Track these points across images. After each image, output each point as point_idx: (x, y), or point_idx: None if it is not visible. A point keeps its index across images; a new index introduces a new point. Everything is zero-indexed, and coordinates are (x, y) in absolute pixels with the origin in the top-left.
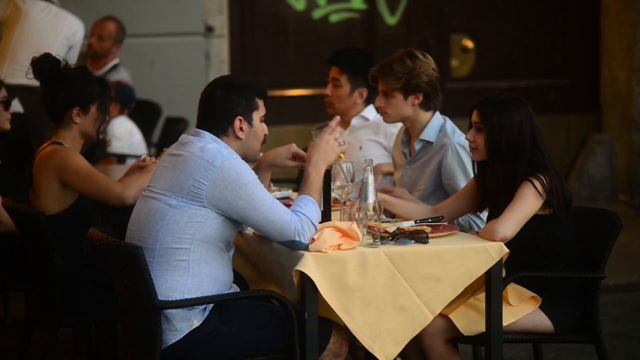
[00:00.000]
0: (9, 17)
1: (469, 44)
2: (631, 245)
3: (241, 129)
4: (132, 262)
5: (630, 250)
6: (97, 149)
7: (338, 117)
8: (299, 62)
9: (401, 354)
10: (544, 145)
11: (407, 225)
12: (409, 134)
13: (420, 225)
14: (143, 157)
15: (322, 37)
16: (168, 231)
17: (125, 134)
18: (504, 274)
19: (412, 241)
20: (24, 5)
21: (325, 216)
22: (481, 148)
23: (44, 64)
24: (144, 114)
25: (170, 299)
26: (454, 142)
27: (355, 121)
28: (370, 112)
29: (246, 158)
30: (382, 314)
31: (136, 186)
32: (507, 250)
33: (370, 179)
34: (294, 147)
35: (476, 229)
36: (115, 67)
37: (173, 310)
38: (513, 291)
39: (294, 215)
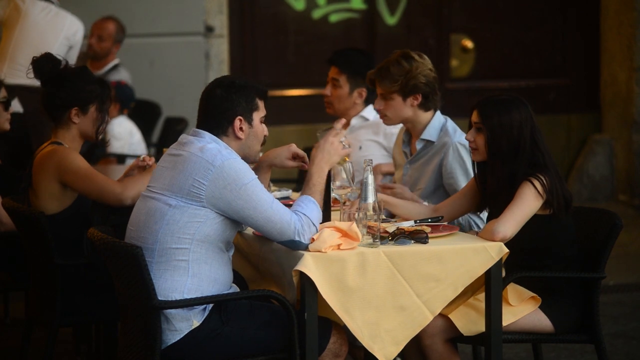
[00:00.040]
0: (8, 17)
1: (469, 44)
2: (631, 245)
3: (241, 129)
4: (131, 262)
5: (630, 250)
6: (96, 149)
7: (343, 120)
8: (298, 62)
9: (401, 354)
10: (544, 145)
11: (407, 225)
12: (410, 134)
13: (420, 225)
14: (143, 156)
15: (322, 37)
16: (168, 231)
17: (124, 134)
18: (503, 274)
19: (412, 241)
20: (24, 5)
21: (325, 216)
22: (481, 148)
23: (44, 64)
24: (144, 114)
25: (170, 299)
26: (455, 141)
27: (354, 121)
28: (369, 112)
29: (246, 158)
30: (381, 314)
31: (135, 187)
32: (507, 250)
33: (370, 179)
34: (294, 147)
35: (476, 229)
36: (115, 67)
37: (173, 310)
38: (513, 291)
39: (294, 215)
